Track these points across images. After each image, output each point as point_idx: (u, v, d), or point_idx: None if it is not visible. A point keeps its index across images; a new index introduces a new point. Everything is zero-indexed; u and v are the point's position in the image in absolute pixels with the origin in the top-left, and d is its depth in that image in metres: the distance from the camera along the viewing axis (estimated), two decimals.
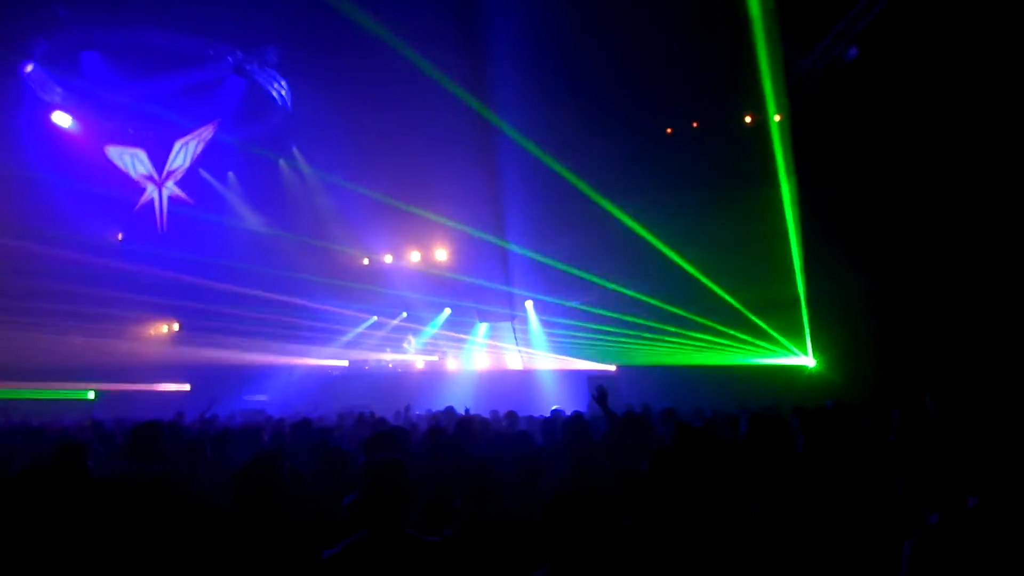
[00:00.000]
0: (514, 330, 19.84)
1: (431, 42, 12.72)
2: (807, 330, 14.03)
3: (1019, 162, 9.10)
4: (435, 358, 21.61)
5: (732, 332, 15.10)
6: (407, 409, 12.26)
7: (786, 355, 14.77)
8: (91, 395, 19.15)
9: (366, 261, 19.38)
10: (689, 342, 15.86)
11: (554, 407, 12.12)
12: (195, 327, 20.39)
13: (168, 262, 16.87)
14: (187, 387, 19.68)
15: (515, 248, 16.85)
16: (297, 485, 4.32)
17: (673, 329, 15.90)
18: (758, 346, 15.00)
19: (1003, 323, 9.40)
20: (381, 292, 19.09)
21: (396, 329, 20.98)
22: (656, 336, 16.24)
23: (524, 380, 19.39)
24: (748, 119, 13.41)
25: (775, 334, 14.60)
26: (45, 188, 15.49)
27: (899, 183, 10.86)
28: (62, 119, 15.75)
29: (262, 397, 18.53)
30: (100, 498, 3.09)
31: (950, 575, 1.95)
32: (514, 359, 20.32)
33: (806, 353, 14.42)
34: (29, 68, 14.53)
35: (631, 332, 16.66)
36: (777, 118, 12.50)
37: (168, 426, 5.26)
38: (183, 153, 17.14)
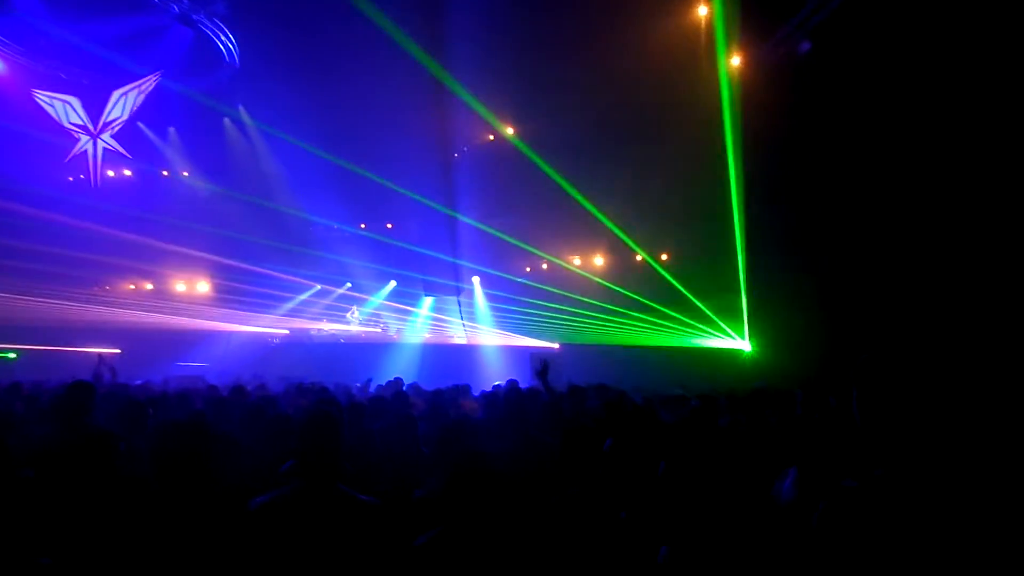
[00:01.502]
0: (460, 304, 19.80)
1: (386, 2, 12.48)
2: (744, 315, 14.43)
3: (961, 150, 9.48)
4: (379, 330, 21.41)
5: (674, 314, 15.42)
6: (367, 383, 11.92)
7: (725, 338, 15.18)
8: (12, 355, 18.30)
9: (311, 227, 18.99)
10: (632, 323, 16.14)
11: (496, 383, 12.18)
12: (127, 287, 19.68)
13: (101, 217, 16.10)
14: (117, 351, 19.00)
15: (464, 219, 16.78)
16: (231, 451, 4.23)
17: (617, 309, 16.16)
18: (698, 329, 15.36)
19: (939, 313, 9.80)
20: (325, 259, 18.75)
21: (340, 299, 20.68)
22: (601, 316, 16.47)
23: (468, 355, 19.42)
24: (701, 105, 13.56)
25: (715, 318, 14.97)
26: None
27: (844, 176, 11.20)
28: None
29: (199, 363, 18.04)
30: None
31: (855, 530, 2.18)
32: (459, 333, 20.31)
33: (743, 337, 14.85)
34: None
35: (576, 311, 16.86)
36: (729, 105, 12.72)
37: (95, 387, 5.06)
38: (121, 104, 16.31)
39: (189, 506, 2.58)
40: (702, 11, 12.78)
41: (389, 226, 19.26)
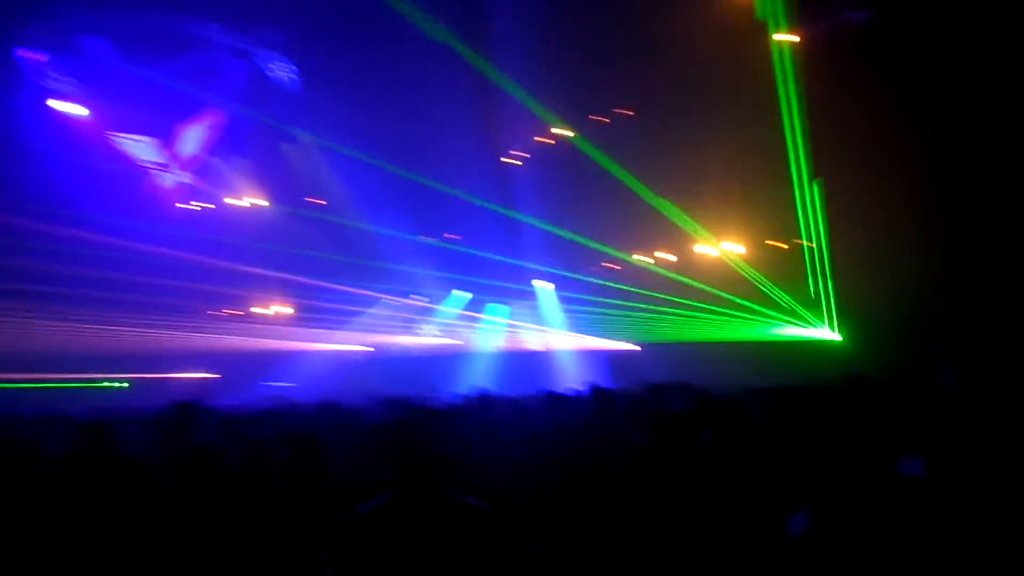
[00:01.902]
0: (532, 309, 19.87)
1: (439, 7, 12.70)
2: (831, 300, 13.81)
3: None
4: (454, 340, 21.65)
5: (754, 305, 14.95)
6: (432, 391, 12.18)
7: (810, 328, 14.61)
8: (124, 384, 19.41)
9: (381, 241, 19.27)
10: (711, 317, 15.75)
11: (572, 386, 12.10)
12: (216, 313, 20.55)
13: (184, 246, 16.92)
14: (217, 376, 19.91)
15: (529, 220, 16.75)
16: (327, 464, 4.34)
17: (694, 303, 15.79)
18: (781, 319, 14.85)
19: None
20: (397, 272, 19.06)
21: (415, 311, 21.05)
22: (677, 311, 16.14)
23: (544, 360, 19.42)
24: (762, 85, 13.14)
25: (798, 307, 14.42)
26: (50, 170, 15.42)
27: (925, 145, 10.69)
28: (68, 106, 15.72)
29: (286, 383, 18.68)
30: (133, 479, 3.10)
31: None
32: (533, 338, 20.34)
33: (830, 326, 14.23)
34: (33, 55, 14.58)
35: (652, 307, 16.57)
36: (793, 82, 12.33)
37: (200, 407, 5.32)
38: (189, 138, 17.18)
39: (298, 513, 2.66)
40: None
41: (457, 237, 19.41)
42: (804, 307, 14.35)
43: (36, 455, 4.41)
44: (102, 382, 18.95)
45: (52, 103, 15.46)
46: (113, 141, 16.59)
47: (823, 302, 13.91)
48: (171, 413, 4.60)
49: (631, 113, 15.40)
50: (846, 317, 13.77)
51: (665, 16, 12.41)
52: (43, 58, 14.77)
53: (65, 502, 2.69)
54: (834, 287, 13.56)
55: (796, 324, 14.65)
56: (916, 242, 11.20)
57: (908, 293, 11.27)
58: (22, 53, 14.50)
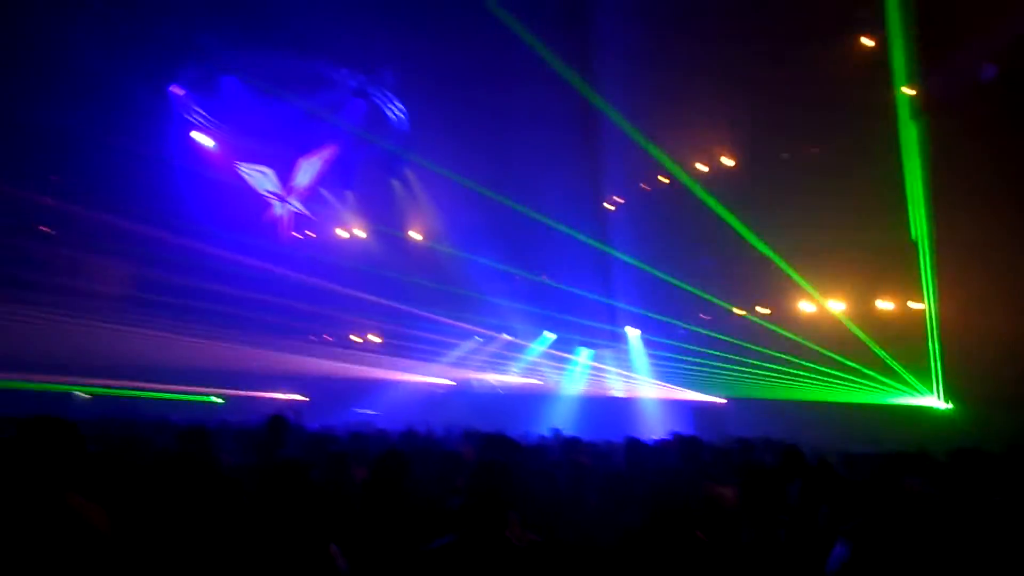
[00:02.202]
0: (618, 355, 19.58)
1: (544, 35, 12.93)
2: (937, 364, 12.85)
3: None
4: (537, 380, 21.58)
5: (854, 365, 14.08)
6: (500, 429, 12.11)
7: (911, 394, 13.64)
8: (219, 400, 20.31)
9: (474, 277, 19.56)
10: (804, 375, 14.96)
11: (655, 435, 11.80)
12: (313, 338, 21.35)
13: (292, 267, 17.74)
14: (306, 398, 20.55)
15: (626, 258, 16.52)
16: (406, 486, 4.41)
17: (785, 357, 15.05)
18: (881, 382, 13.94)
19: None
20: (486, 309, 19.22)
21: (501, 347, 21.18)
22: (769, 367, 15.44)
23: (626, 407, 19.05)
24: (880, 141, 12.66)
25: (899, 368, 13.49)
26: (184, 189, 16.60)
27: None
28: (203, 139, 17.08)
29: (371, 411, 19.10)
30: (226, 484, 3.24)
31: None
32: (617, 384, 20.01)
33: (933, 392, 13.22)
34: (178, 91, 16.00)
35: (741, 360, 15.90)
36: (914, 138, 11.79)
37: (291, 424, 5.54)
38: (305, 171, 18.22)
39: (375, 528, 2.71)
40: (873, 43, 12.11)
41: (544, 278, 19.43)
42: (910, 372, 13.41)
43: (145, 455, 4.73)
44: (204, 396, 19.91)
45: (198, 136, 16.89)
46: (240, 170, 17.87)
47: (931, 367, 12.97)
48: (263, 427, 4.81)
49: (734, 163, 15.14)
50: (954, 385, 12.79)
51: (787, 63, 12.19)
52: (188, 94, 16.24)
53: (159, 496, 2.86)
54: (943, 352, 12.65)
55: (901, 390, 13.72)
56: None
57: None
58: (174, 89, 15.96)
